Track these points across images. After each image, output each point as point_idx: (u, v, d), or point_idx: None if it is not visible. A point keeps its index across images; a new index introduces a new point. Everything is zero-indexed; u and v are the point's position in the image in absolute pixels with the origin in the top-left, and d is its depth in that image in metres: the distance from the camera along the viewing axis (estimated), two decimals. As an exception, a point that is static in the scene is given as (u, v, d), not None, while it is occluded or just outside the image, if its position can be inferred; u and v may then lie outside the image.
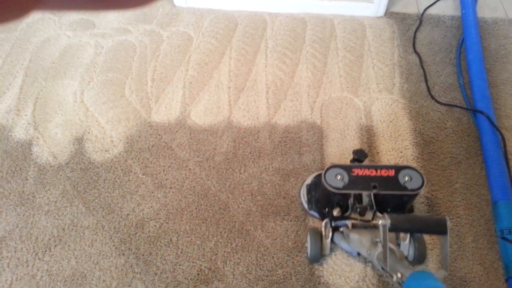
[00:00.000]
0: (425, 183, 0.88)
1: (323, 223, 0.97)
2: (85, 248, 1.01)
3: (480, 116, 1.22)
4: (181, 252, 1.00)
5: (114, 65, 1.38)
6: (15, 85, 1.32)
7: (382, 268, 0.82)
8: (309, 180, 1.09)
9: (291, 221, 1.05)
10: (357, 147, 1.17)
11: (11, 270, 0.98)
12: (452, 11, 1.57)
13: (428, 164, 1.15)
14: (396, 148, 1.17)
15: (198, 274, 0.97)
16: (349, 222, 0.92)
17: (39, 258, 1.00)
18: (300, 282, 0.96)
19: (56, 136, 1.21)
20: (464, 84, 1.33)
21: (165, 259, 0.99)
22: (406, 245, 0.92)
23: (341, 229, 0.97)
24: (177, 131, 1.22)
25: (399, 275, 0.76)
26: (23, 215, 1.06)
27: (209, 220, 1.05)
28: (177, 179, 1.12)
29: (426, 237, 1.01)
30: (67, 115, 1.25)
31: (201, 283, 0.96)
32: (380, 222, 0.77)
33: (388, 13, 1.53)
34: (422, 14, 1.53)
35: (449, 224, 0.77)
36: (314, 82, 1.33)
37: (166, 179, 1.12)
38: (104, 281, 0.96)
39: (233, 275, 0.97)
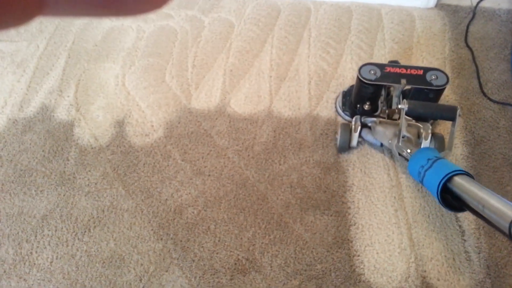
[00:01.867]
0: (449, 81, 1.00)
1: (354, 119, 1.08)
2: (124, 231, 1.01)
3: (536, 116, 1.15)
4: (219, 241, 0.99)
5: (155, 50, 1.37)
6: (58, 66, 1.34)
7: (399, 154, 0.93)
8: (345, 88, 1.20)
9: (331, 216, 1.02)
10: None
11: (52, 249, 0.99)
12: (507, 5, 1.48)
13: (478, 164, 1.09)
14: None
15: (235, 263, 0.96)
16: (377, 119, 1.05)
17: (78, 239, 1.01)
18: (339, 279, 0.93)
19: (97, 118, 1.21)
20: (519, 82, 1.25)
21: (202, 247, 0.98)
22: (427, 143, 0.96)
23: (369, 124, 1.07)
24: (216, 119, 1.20)
25: (408, 150, 0.88)
26: (64, 195, 1.07)
27: (247, 210, 1.04)
28: (216, 167, 1.11)
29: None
30: (109, 98, 1.26)
31: (238, 273, 0.94)
32: (399, 106, 0.90)
33: (439, 5, 1.46)
34: (476, 7, 1.45)
35: (459, 111, 0.88)
36: (359, 74, 1.28)
37: (205, 167, 1.11)
38: (142, 264, 0.96)
39: (271, 267, 0.95)
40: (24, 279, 0.95)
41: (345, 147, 1.08)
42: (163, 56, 1.36)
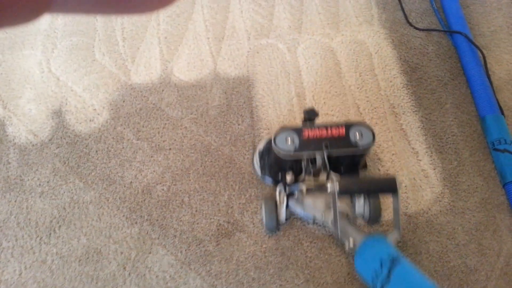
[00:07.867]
0: (375, 138, 0.86)
1: (277, 190, 0.94)
2: (93, 223, 0.96)
3: (458, 36, 1.25)
4: (196, 211, 0.98)
5: (76, 28, 1.25)
6: (-34, 63, 1.17)
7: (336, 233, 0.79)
8: (261, 146, 1.03)
9: (298, 163, 1.05)
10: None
11: (17, 260, 0.91)
12: None
13: (418, 89, 1.17)
14: (385, 78, 1.18)
15: (218, 229, 0.96)
16: (303, 186, 0.87)
17: (44, 243, 0.93)
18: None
19: (30, 112, 1.09)
20: (438, 9, 1.34)
21: (181, 220, 0.96)
22: (361, 204, 0.88)
23: (295, 195, 0.92)
24: (163, 90, 1.15)
25: (351, 240, 0.73)
26: (15, 201, 0.98)
27: (217, 175, 1.03)
28: (175, 140, 1.07)
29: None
30: (37, 88, 1.13)
31: (223, 237, 0.95)
32: (328, 186, 0.74)
33: None
34: None
35: (399, 182, 0.73)
36: (294, 23, 1.29)
37: (163, 141, 1.07)
38: (122, 253, 0.92)
39: (253, 224, 0.97)
40: (-5, 299, 0.87)
41: (274, 225, 0.91)
42: (87, 32, 1.24)
